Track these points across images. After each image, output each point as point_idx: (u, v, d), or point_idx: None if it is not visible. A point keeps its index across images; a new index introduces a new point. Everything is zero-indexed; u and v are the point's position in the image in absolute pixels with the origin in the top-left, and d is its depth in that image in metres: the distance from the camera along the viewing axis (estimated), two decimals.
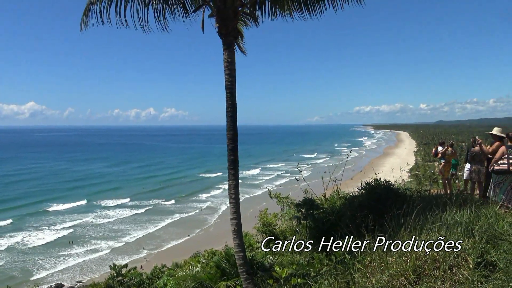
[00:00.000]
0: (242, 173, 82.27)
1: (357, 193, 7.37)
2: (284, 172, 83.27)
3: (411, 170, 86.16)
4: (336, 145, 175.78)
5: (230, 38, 7.41)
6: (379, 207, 6.34)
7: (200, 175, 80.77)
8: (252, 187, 64.23)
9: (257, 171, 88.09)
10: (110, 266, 12.96)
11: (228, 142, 7.36)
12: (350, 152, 8.51)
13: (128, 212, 49.31)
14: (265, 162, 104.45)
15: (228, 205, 7.62)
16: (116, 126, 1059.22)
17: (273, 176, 79.52)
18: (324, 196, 7.91)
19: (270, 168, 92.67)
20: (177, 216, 47.59)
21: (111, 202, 54.70)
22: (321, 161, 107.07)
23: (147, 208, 51.54)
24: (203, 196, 59.48)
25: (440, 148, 13.39)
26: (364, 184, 7.18)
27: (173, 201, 55.61)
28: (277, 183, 70.43)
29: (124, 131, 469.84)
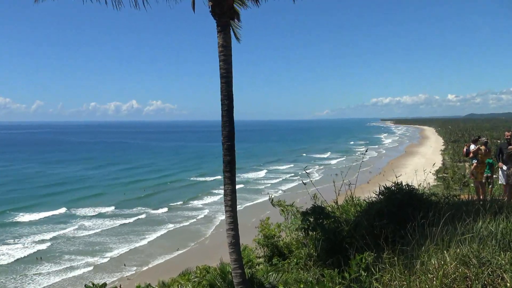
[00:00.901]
0: (244, 176, 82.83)
1: (374, 199, 7.31)
2: (292, 175, 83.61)
3: (437, 172, 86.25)
4: (351, 143, 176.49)
5: (225, 18, 7.35)
6: (401, 216, 6.29)
7: (195, 179, 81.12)
8: (255, 193, 64.36)
9: (261, 173, 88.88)
10: (86, 285, 12.90)
11: (224, 139, 7.34)
12: (366, 151, 8.46)
13: (111, 223, 49.43)
14: (270, 163, 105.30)
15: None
16: (93, 121, 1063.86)
17: (280, 179, 79.91)
18: (336, 203, 7.87)
19: (276, 171, 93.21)
20: (168, 227, 47.73)
21: (92, 211, 54.88)
22: (334, 162, 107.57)
23: (133, 218, 51.67)
24: (199, 203, 59.61)
25: (472, 147, 13.27)
26: (382, 188, 7.12)
27: (163, 210, 55.82)
28: (284, 187, 70.80)
29: (104, 127, 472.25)
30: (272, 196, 7.80)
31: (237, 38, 8.33)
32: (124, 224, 49.04)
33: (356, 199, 8.09)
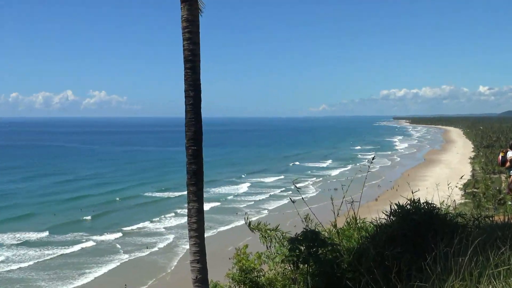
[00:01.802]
0: (220, 191, 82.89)
1: (384, 221, 7.21)
2: (282, 190, 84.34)
3: (465, 186, 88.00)
4: (357, 148, 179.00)
5: None
6: (418, 243, 6.25)
7: (155, 194, 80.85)
8: (232, 213, 64.49)
9: (242, 188, 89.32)
10: None
11: (188, 142, 7.34)
12: (374, 159, 8.37)
13: (41, 253, 48.75)
14: (254, 175, 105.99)
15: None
16: (15, 118, 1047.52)
17: (265, 196, 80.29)
18: (335, 227, 7.80)
19: (261, 184, 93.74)
20: (119, 259, 47.43)
21: (15, 238, 53.85)
22: (335, 173, 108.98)
23: (72, 246, 51.10)
24: (159, 227, 59.57)
25: (510, 153, 13.44)
26: (395, 207, 7.04)
27: (112, 236, 55.51)
28: (271, 206, 71.11)
29: (29, 125, 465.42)
30: (248, 217, 7.69)
31: (199, 10, 8.20)
32: (60, 255, 48.51)
33: (361, 221, 8.01)
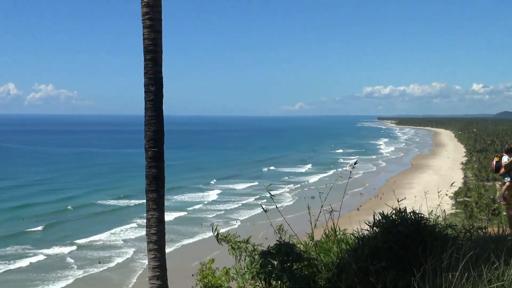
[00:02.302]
0: (186, 199, 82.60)
1: (367, 232, 7.17)
2: (256, 197, 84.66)
3: (456, 194, 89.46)
4: (339, 151, 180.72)
5: None
6: (405, 257, 6.26)
7: (111, 202, 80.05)
8: (198, 224, 64.19)
9: (211, 195, 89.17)
10: None
11: (148, 144, 7.24)
12: (356, 163, 8.36)
13: None
14: (225, 181, 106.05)
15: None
16: None
17: (237, 205, 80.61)
18: (312, 239, 7.77)
19: (233, 192, 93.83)
20: (71, 276, 46.95)
21: None
22: (314, 179, 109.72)
23: (20, 261, 50.32)
24: (116, 239, 58.98)
25: (505, 158, 13.61)
26: (379, 217, 7.02)
27: (65, 249, 54.91)
28: (242, 217, 71.30)
29: None
30: (216, 227, 7.59)
31: None
32: (4, 271, 47.86)
33: (341, 232, 7.97)
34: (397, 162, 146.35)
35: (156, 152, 7.17)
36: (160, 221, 7.26)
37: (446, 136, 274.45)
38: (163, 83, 7.28)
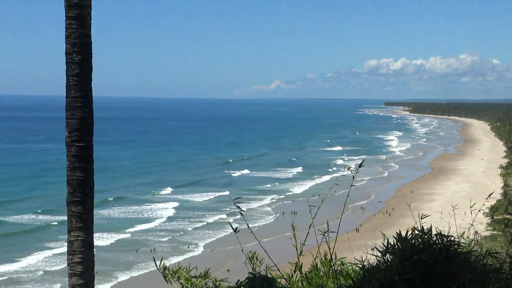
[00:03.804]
0: (126, 216, 73.83)
1: (375, 261, 6.10)
2: (223, 213, 74.89)
3: (493, 210, 78.02)
4: (336, 149, 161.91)
5: None
6: None
7: (25, 219, 70.98)
8: (144, 252, 56.87)
9: (162, 211, 79.59)
10: None
11: (70, 136, 5.83)
12: (361, 166, 7.06)
13: None
14: (183, 189, 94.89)
15: None
16: None
17: (198, 224, 71.67)
18: (299, 270, 6.55)
19: (191, 205, 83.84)
20: None
21: None
22: (302, 188, 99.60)
23: None
24: (32, 270, 52.55)
25: None
26: (393, 240, 5.94)
27: None
28: (205, 241, 63.69)
29: None
30: (162, 258, 6.16)
31: None
32: None
33: (339, 262, 6.71)
34: (413, 165, 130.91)
35: (83, 147, 5.77)
36: (88, 246, 5.75)
37: (480, 129, 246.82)
38: (93, 51, 5.84)
